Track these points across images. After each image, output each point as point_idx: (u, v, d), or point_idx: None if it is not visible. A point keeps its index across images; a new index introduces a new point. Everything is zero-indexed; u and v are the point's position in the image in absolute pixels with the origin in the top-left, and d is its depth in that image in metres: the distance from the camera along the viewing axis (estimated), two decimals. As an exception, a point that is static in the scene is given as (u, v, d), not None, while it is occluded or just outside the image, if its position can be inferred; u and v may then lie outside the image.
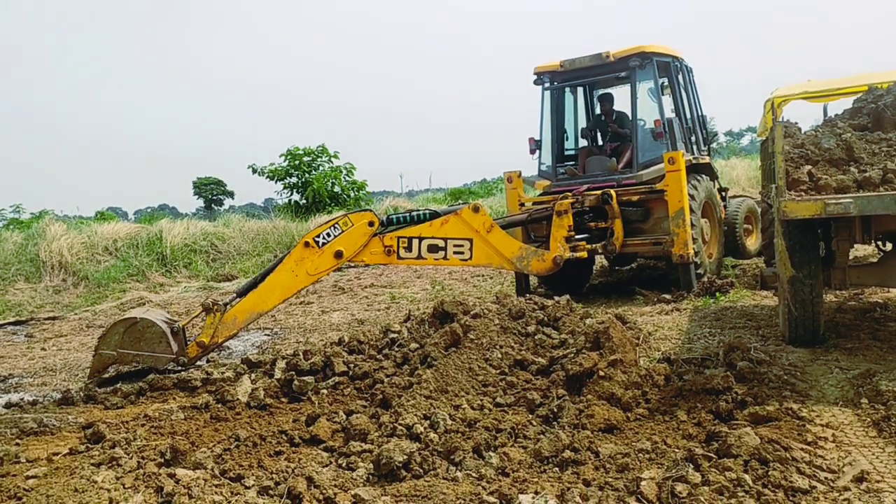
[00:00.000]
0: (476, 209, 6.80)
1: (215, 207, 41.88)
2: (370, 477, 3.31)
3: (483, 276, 11.04)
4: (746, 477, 2.90)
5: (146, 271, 13.50)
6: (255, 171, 21.58)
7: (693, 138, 9.19)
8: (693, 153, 8.99)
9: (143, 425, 4.38)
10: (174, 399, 5.22)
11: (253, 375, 5.47)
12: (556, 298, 5.57)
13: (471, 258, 6.81)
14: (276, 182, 21.40)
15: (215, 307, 6.03)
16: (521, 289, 8.54)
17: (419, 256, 6.72)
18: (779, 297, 5.49)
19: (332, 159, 21.55)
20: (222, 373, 5.63)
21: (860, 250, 8.79)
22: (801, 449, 3.19)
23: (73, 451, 3.97)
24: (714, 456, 3.14)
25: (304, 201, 20.53)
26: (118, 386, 5.56)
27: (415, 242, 6.68)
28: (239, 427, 4.18)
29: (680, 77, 9.03)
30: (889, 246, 5.46)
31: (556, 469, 3.25)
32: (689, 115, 9.15)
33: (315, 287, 11.54)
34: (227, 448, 3.79)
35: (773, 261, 6.91)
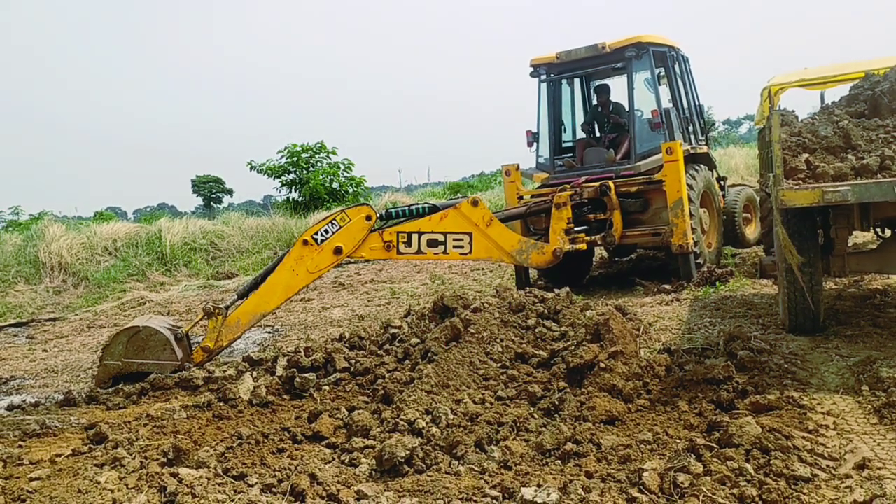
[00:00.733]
0: (475, 203, 6.79)
1: (214, 205, 41.90)
2: (373, 473, 3.32)
3: (483, 269, 11.05)
4: (748, 466, 2.91)
5: (146, 271, 13.50)
6: (253, 167, 21.58)
7: (690, 128, 9.19)
8: (691, 143, 8.99)
9: (145, 425, 4.38)
10: (176, 398, 5.22)
11: (254, 373, 5.48)
12: (556, 291, 5.57)
13: (470, 252, 6.81)
14: (274, 179, 21.41)
15: (216, 311, 6.03)
16: (521, 282, 8.55)
17: (419, 251, 6.72)
18: (778, 285, 5.49)
19: (331, 155, 21.55)
20: (224, 371, 5.63)
21: (859, 237, 8.80)
22: (803, 437, 3.20)
23: (76, 452, 3.97)
24: (716, 446, 3.15)
25: (303, 198, 20.53)
26: (120, 386, 5.57)
27: (414, 237, 6.68)
28: (241, 425, 4.19)
29: (676, 67, 9.02)
30: (888, 232, 5.45)
31: (559, 462, 3.26)
32: (686, 105, 9.14)
33: (315, 283, 11.52)
34: (230, 446, 3.79)
35: (772, 249, 6.92)
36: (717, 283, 7.47)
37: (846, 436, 3.30)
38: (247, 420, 4.36)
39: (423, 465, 3.30)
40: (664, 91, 8.79)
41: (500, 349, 4.54)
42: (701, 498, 2.74)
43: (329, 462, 3.50)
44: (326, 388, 4.77)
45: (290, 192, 21.21)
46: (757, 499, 2.71)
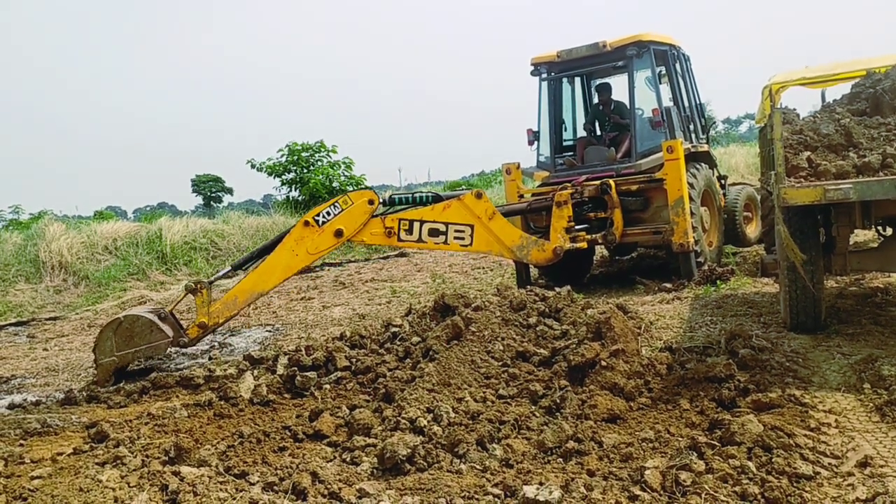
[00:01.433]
0: (479, 195, 6.79)
1: (214, 204, 41.87)
2: (374, 471, 3.32)
3: (483, 268, 11.04)
4: (750, 464, 2.91)
5: (146, 270, 13.49)
6: (253, 166, 21.56)
7: (691, 126, 9.18)
8: (691, 141, 8.97)
9: (146, 424, 4.37)
10: (177, 397, 5.22)
11: (255, 372, 5.47)
12: (557, 289, 5.57)
13: (471, 244, 6.81)
14: (275, 178, 21.39)
15: (199, 285, 6.04)
16: (522, 280, 8.54)
17: (419, 240, 6.71)
18: (780, 283, 5.48)
19: (331, 153, 21.52)
20: (225, 370, 5.63)
21: (860, 235, 8.79)
22: (805, 435, 3.20)
23: (77, 450, 3.97)
24: (717, 444, 3.14)
25: (302, 198, 20.51)
26: (121, 385, 5.57)
27: (416, 225, 6.67)
28: (242, 424, 4.19)
29: (677, 65, 9.01)
30: (889, 231, 5.45)
31: (560, 460, 3.25)
32: (686, 104, 9.13)
33: (316, 282, 11.55)
34: (231, 445, 3.79)
35: (773, 248, 6.91)
36: (718, 282, 7.46)
37: (848, 434, 3.30)
38: (248, 418, 4.36)
39: (425, 464, 3.30)
40: (665, 89, 8.79)
41: (501, 348, 4.54)
42: (703, 496, 2.74)
43: (330, 460, 3.50)
44: (327, 386, 4.77)
45: (290, 191, 21.20)
46: (759, 496, 2.71)
